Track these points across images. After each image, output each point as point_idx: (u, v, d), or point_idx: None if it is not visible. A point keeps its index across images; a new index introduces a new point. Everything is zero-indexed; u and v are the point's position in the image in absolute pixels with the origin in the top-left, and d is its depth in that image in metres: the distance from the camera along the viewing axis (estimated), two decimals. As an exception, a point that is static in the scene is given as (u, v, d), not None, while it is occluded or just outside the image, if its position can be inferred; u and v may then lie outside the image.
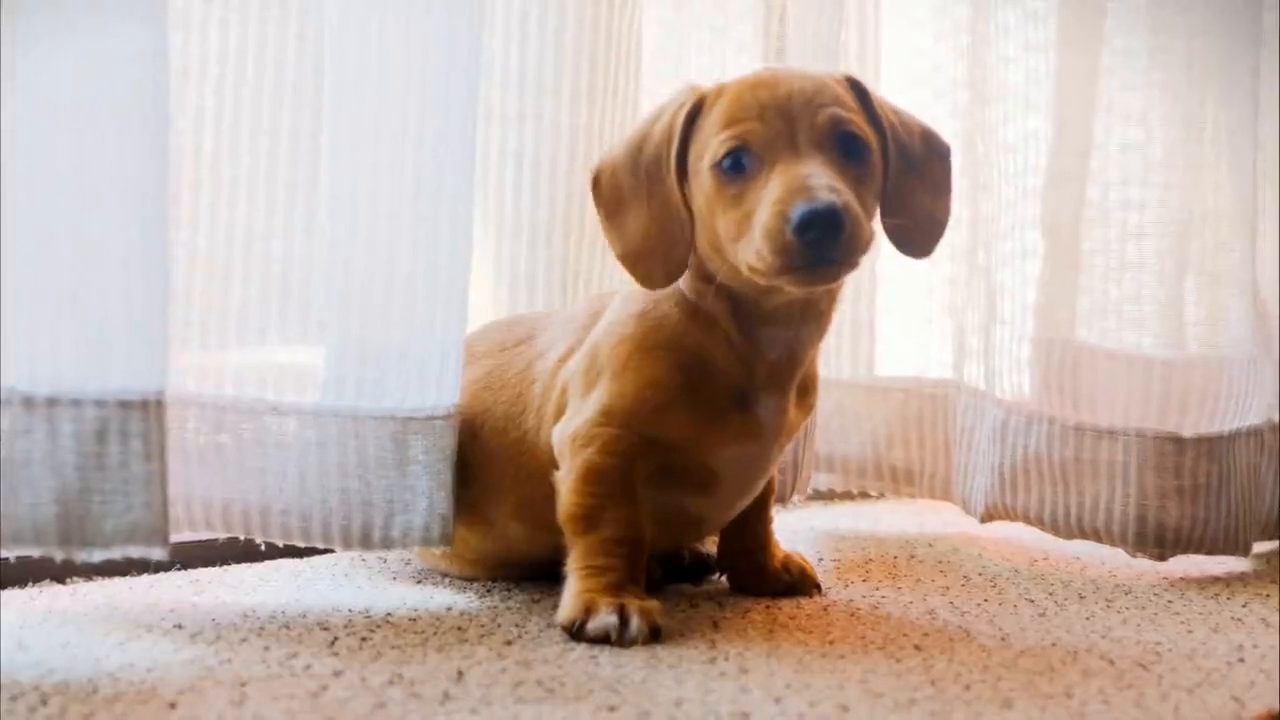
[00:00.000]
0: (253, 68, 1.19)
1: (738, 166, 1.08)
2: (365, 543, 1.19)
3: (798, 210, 1.02)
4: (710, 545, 1.34)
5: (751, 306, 1.14)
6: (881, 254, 1.66)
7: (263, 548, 1.25)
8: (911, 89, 1.65)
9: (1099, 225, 1.51)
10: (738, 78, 1.12)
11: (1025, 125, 1.52)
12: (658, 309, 1.16)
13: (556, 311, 1.32)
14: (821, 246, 1.02)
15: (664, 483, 1.16)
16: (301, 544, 1.20)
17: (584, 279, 1.45)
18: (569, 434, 1.15)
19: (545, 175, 1.41)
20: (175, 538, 1.29)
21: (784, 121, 1.07)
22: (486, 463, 1.22)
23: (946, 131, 1.59)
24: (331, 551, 1.33)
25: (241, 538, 1.20)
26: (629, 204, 1.14)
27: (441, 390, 1.20)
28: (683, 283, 1.15)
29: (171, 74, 1.17)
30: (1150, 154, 1.49)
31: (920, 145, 1.17)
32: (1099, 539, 1.46)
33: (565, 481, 1.15)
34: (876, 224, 1.13)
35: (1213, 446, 1.45)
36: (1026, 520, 1.49)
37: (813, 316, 1.15)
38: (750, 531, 1.28)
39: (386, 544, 1.19)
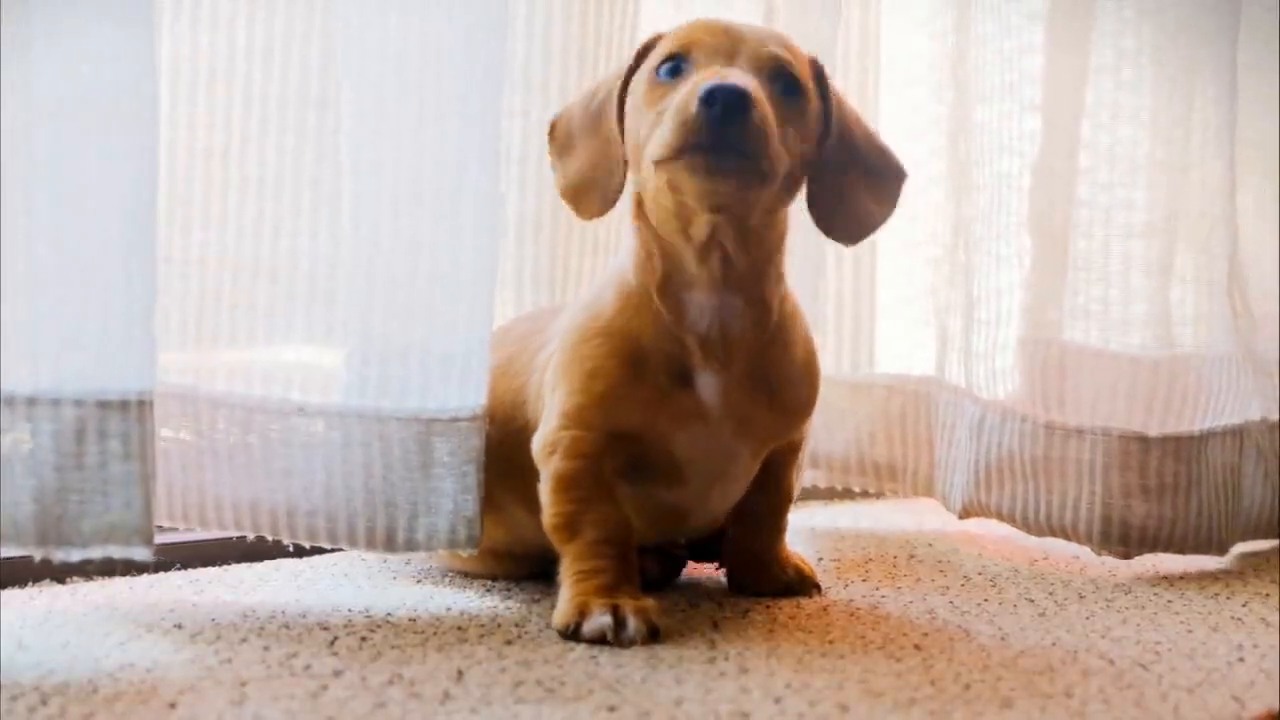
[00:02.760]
0: (279, 65, 1.20)
1: (676, 72, 1.10)
2: (390, 545, 1.19)
3: (706, 85, 1.03)
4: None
5: (675, 267, 1.14)
6: (876, 254, 1.67)
7: (292, 548, 1.25)
8: (907, 87, 1.65)
9: (1082, 224, 1.50)
10: None
11: (1013, 125, 1.51)
12: (600, 296, 1.18)
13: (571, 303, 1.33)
14: (724, 125, 1.03)
15: (636, 476, 1.16)
16: (328, 545, 1.20)
17: (572, 277, 1.46)
18: (539, 443, 1.16)
19: (532, 173, 1.41)
20: (182, 537, 1.30)
21: (728, 41, 1.11)
22: (498, 448, 1.22)
23: (942, 130, 1.60)
24: (334, 550, 1.33)
25: (269, 538, 1.20)
26: (576, 143, 1.17)
27: (465, 391, 1.19)
28: (628, 258, 1.16)
29: (200, 76, 1.18)
30: (1133, 153, 1.49)
31: (876, 158, 1.20)
32: (1067, 537, 1.47)
33: (543, 492, 1.15)
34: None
35: (1180, 446, 1.45)
36: (1000, 517, 1.50)
37: (734, 285, 1.14)
38: (761, 531, 1.27)
39: (411, 546, 1.20)
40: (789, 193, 1.15)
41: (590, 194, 1.16)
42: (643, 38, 1.18)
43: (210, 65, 1.18)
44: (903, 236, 1.67)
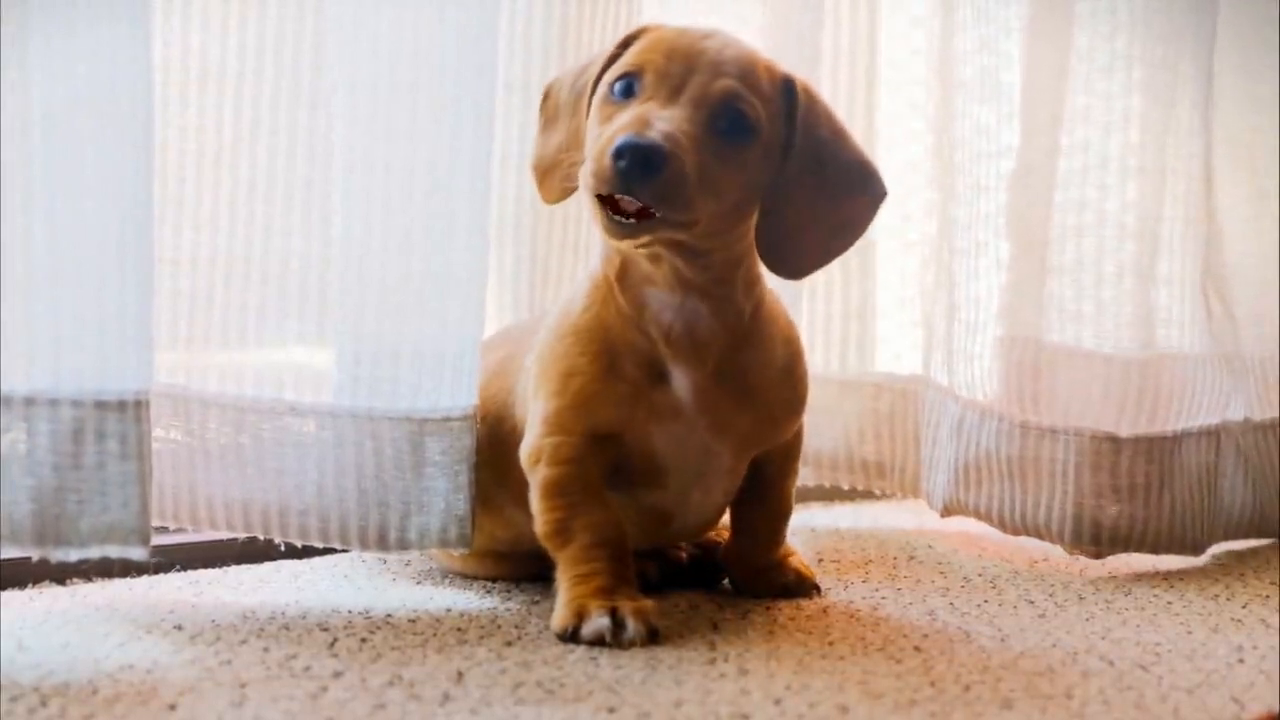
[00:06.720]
0: (270, 66, 1.20)
1: (627, 91, 1.09)
2: (382, 544, 1.20)
3: (620, 138, 1.03)
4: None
5: (631, 263, 1.14)
6: (871, 254, 1.67)
7: (286, 548, 1.25)
8: (906, 87, 1.65)
9: (1058, 225, 1.50)
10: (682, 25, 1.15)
11: (1004, 128, 1.51)
12: (574, 294, 1.18)
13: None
14: (630, 179, 1.02)
15: (618, 481, 1.16)
16: (320, 544, 1.21)
17: (554, 277, 1.46)
18: (525, 451, 1.16)
19: (513, 172, 1.41)
20: (182, 539, 1.30)
21: (683, 69, 1.09)
22: (492, 449, 1.22)
23: (936, 131, 1.60)
24: (334, 552, 1.33)
25: (260, 537, 1.21)
26: (559, 119, 1.17)
27: (457, 390, 1.20)
28: (598, 251, 1.16)
29: (191, 76, 1.18)
30: (1107, 155, 1.49)
31: (845, 175, 1.16)
32: (1040, 536, 1.47)
33: (533, 501, 1.15)
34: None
35: (1152, 446, 1.45)
36: (978, 516, 1.50)
37: (695, 289, 1.13)
38: (760, 542, 1.27)
39: (403, 545, 1.20)
40: (737, 218, 1.12)
41: (553, 176, 1.17)
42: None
43: (202, 66, 1.18)
44: (900, 237, 1.67)
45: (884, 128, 1.64)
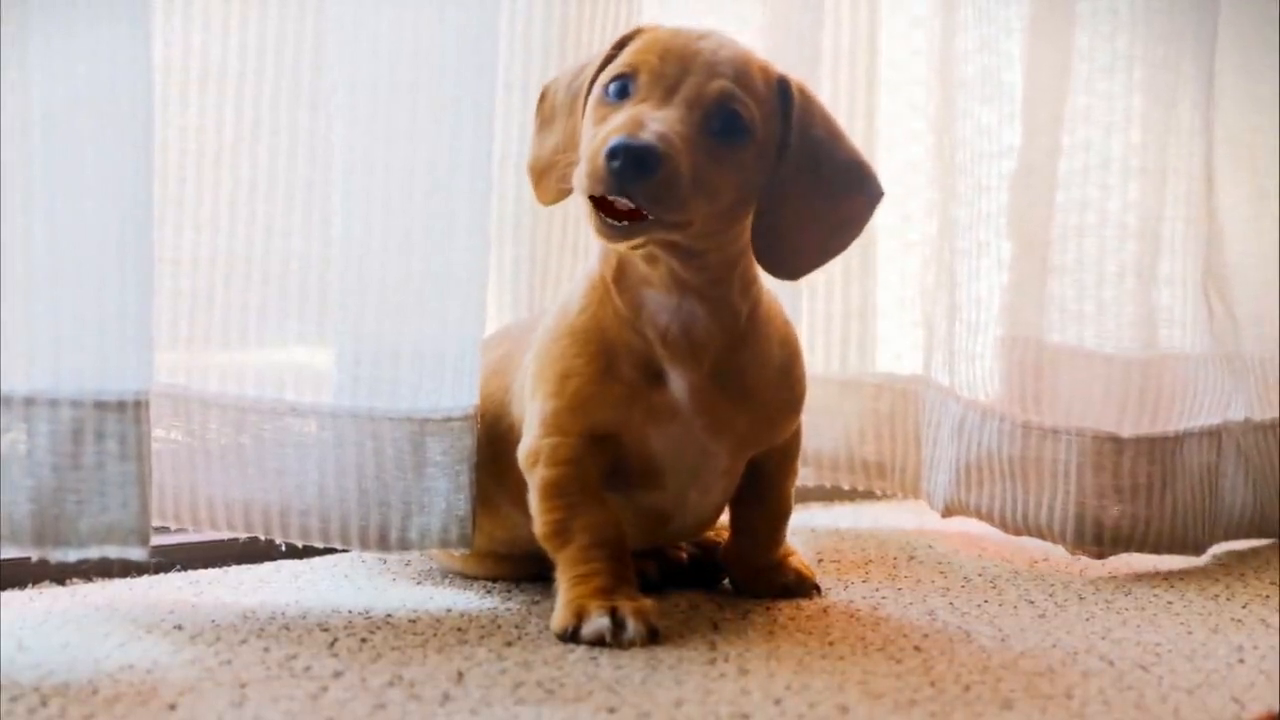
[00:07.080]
0: (271, 66, 1.20)
1: (622, 92, 1.09)
2: (383, 544, 1.20)
3: (614, 139, 1.02)
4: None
5: (629, 263, 1.13)
6: (873, 254, 1.67)
7: (286, 548, 1.25)
8: (906, 87, 1.65)
9: (1060, 225, 1.50)
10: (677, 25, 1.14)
11: (1005, 128, 1.51)
12: (571, 294, 1.18)
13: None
14: (624, 180, 1.02)
15: (616, 481, 1.16)
16: (320, 544, 1.21)
17: (554, 277, 1.46)
18: (524, 452, 1.16)
19: (513, 172, 1.41)
20: (182, 539, 1.31)
21: (678, 70, 1.08)
22: (491, 446, 1.22)
23: (936, 131, 1.60)
24: (334, 552, 1.34)
25: (261, 537, 1.21)
26: (555, 120, 1.17)
27: (458, 391, 1.20)
28: (597, 251, 1.16)
29: (192, 76, 1.18)
30: (1109, 156, 1.49)
31: (841, 175, 1.15)
32: (1042, 536, 1.47)
33: (532, 502, 1.15)
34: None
35: (1153, 446, 1.46)
36: (979, 516, 1.51)
37: (691, 290, 1.13)
38: (759, 542, 1.27)
39: (404, 545, 1.20)
40: (732, 219, 1.12)
41: (549, 177, 1.17)
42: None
43: (202, 66, 1.19)
44: (900, 237, 1.67)
45: (884, 128, 1.64)
